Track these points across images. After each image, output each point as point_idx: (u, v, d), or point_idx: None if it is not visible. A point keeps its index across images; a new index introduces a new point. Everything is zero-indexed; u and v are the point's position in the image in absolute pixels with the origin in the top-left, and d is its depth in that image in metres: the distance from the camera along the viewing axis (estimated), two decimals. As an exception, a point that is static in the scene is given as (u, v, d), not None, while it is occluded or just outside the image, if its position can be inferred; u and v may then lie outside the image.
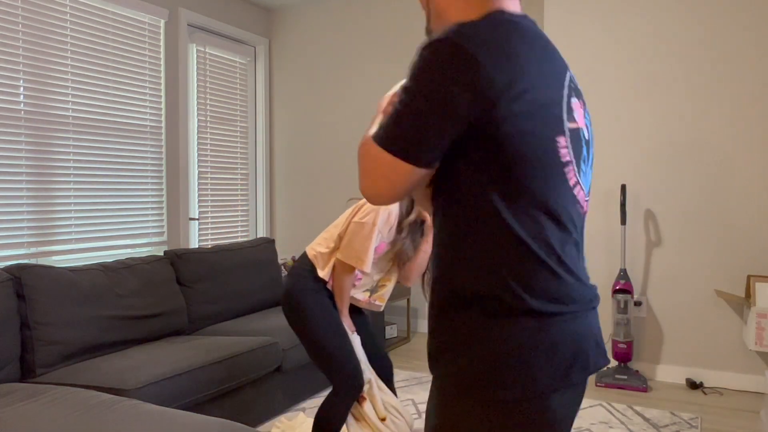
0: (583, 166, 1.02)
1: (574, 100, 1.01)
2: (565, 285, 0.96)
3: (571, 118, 0.98)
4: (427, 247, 2.26)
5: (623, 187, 3.45)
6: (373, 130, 1.01)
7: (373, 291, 2.36)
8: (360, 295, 2.33)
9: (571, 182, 0.98)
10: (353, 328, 2.25)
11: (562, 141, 0.95)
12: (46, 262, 3.51)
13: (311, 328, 2.13)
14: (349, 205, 5.04)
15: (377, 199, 0.97)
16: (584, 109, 1.06)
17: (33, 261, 3.44)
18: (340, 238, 2.18)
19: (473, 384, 0.93)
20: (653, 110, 3.54)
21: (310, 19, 5.20)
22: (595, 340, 1.02)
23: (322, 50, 5.15)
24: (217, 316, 3.40)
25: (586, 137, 1.04)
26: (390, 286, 2.36)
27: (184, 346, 2.74)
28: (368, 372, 2.24)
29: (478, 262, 0.94)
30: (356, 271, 2.17)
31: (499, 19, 0.94)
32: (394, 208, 2.11)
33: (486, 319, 0.94)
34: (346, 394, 2.14)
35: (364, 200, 2.11)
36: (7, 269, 2.54)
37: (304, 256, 2.24)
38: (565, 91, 0.98)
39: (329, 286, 2.21)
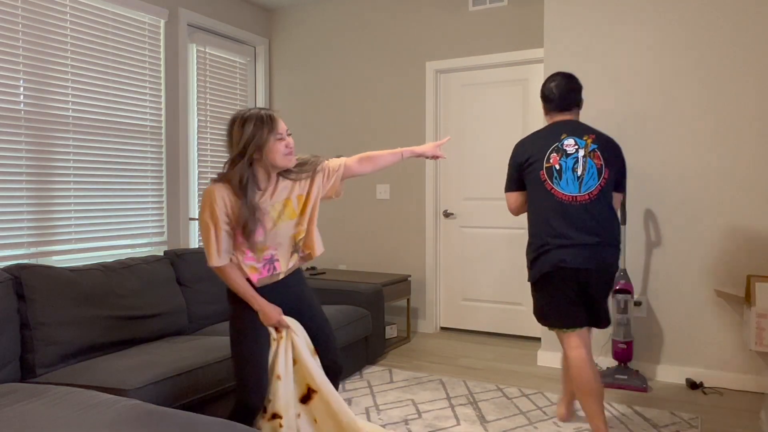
0: (557, 180, 2.50)
1: (553, 154, 2.52)
2: (550, 235, 2.48)
3: (548, 161, 2.52)
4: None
5: (623, 187, 3.45)
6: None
7: (296, 250, 2.23)
8: (293, 261, 2.22)
9: (547, 186, 2.51)
10: (274, 318, 2.14)
11: (542, 173, 2.52)
12: (46, 262, 3.51)
13: (232, 344, 2.18)
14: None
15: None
16: (561, 155, 2.52)
17: (33, 261, 3.44)
18: None
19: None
20: (653, 110, 3.54)
21: (310, 19, 5.20)
22: (569, 257, 2.45)
23: (322, 50, 5.15)
24: (217, 316, 3.40)
25: (558, 168, 2.50)
26: (309, 232, 2.23)
27: (184, 346, 2.74)
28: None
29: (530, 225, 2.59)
30: (239, 255, 2.11)
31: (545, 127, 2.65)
32: (220, 196, 2.05)
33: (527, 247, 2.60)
34: (240, 414, 2.11)
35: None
36: (7, 269, 2.54)
37: None
38: (548, 151, 2.53)
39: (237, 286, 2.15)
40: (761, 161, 3.30)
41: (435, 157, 2.43)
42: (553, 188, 2.49)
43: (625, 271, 3.45)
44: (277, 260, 2.18)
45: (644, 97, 3.56)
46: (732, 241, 3.37)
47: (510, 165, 2.66)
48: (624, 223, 3.46)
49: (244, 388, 2.11)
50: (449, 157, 4.70)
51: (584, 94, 3.72)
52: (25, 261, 3.03)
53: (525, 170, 2.58)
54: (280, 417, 2.11)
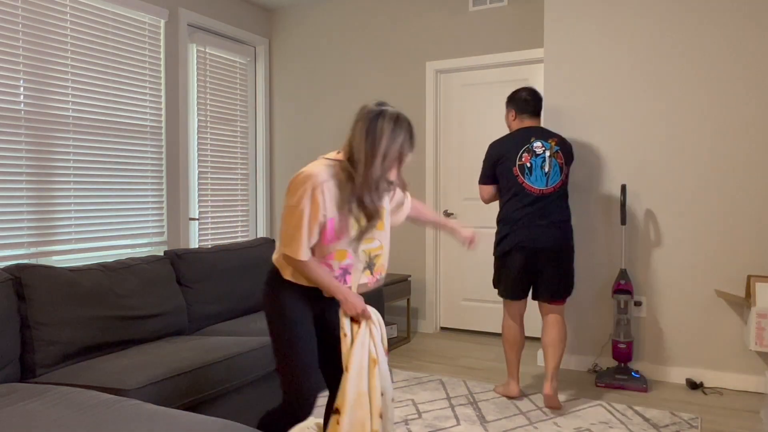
0: (528, 175, 3.05)
1: (525, 154, 3.06)
2: (517, 219, 3.07)
3: (520, 160, 3.06)
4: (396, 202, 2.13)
5: (623, 187, 3.45)
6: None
7: (370, 266, 2.07)
8: (364, 278, 2.04)
9: (519, 180, 3.06)
10: (360, 299, 1.96)
11: (515, 169, 3.07)
12: (46, 262, 3.51)
13: (273, 331, 1.97)
14: None
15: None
16: (532, 155, 3.06)
17: (33, 261, 3.44)
18: None
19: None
20: (653, 110, 3.54)
21: (310, 19, 5.20)
22: (532, 237, 3.03)
23: (322, 50, 5.15)
24: (217, 316, 3.40)
25: (529, 165, 3.04)
26: (385, 252, 2.08)
27: (184, 346, 2.74)
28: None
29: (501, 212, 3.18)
30: (325, 255, 1.93)
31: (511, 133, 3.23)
32: (327, 185, 1.86)
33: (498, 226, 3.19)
34: (291, 414, 1.95)
35: (293, 177, 1.90)
36: (7, 269, 2.54)
37: (272, 264, 2.06)
38: (520, 151, 3.08)
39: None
40: (761, 161, 3.30)
41: (468, 243, 2.35)
42: (524, 182, 3.05)
43: (625, 271, 3.45)
44: (350, 273, 2.00)
45: (644, 97, 3.56)
46: (732, 241, 3.37)
47: (485, 161, 3.19)
48: (624, 223, 3.46)
49: (299, 374, 1.92)
50: (449, 157, 4.71)
51: (584, 94, 3.72)
52: (25, 261, 3.03)
53: (498, 166, 3.13)
54: (339, 413, 1.88)
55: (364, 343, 1.96)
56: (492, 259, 4.56)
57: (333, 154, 1.99)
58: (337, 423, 1.87)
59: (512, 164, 3.06)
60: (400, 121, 1.90)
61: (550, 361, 3.08)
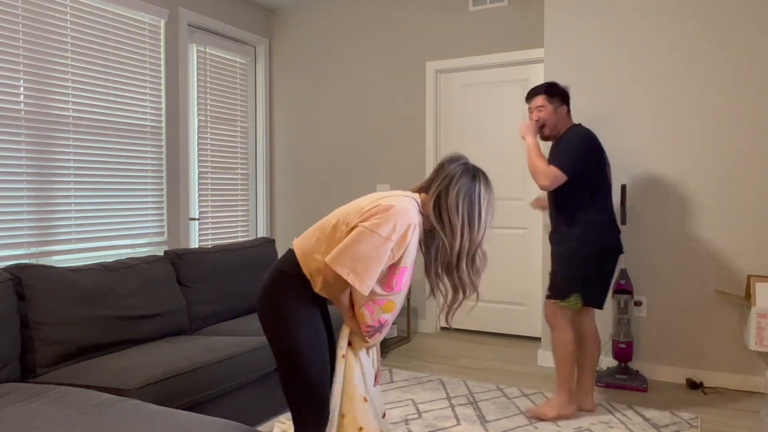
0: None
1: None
2: (608, 220, 2.89)
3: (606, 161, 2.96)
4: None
5: (623, 187, 3.45)
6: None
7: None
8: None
9: (609, 181, 2.94)
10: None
11: (608, 168, 2.98)
12: (46, 262, 3.51)
13: (290, 342, 1.77)
14: None
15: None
16: None
17: (33, 261, 3.44)
18: (339, 240, 1.74)
19: None
20: (653, 110, 3.54)
21: (310, 19, 5.20)
22: (618, 239, 2.91)
23: (322, 50, 5.15)
24: (217, 316, 3.40)
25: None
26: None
27: (184, 346, 2.74)
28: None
29: None
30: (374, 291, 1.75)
31: None
32: (416, 218, 1.71)
33: None
34: (314, 427, 1.79)
35: (382, 200, 1.71)
36: (7, 269, 2.54)
37: (290, 254, 1.84)
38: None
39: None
40: (761, 161, 3.30)
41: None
42: (611, 183, 2.93)
43: (625, 270, 3.45)
44: (381, 331, 1.86)
45: (644, 97, 3.56)
46: (732, 241, 3.37)
47: (586, 149, 2.80)
48: (624, 223, 3.46)
49: (318, 384, 1.78)
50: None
51: (584, 94, 3.72)
52: (25, 261, 3.03)
53: (595, 160, 2.82)
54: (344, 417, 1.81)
55: (360, 367, 1.86)
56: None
57: (416, 196, 1.81)
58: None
59: (606, 163, 2.90)
60: (491, 187, 1.80)
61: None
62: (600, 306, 2.87)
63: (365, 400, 1.83)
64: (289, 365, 1.79)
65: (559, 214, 2.91)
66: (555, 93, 2.93)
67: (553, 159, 2.82)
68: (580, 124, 2.92)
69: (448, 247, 1.75)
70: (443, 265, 1.80)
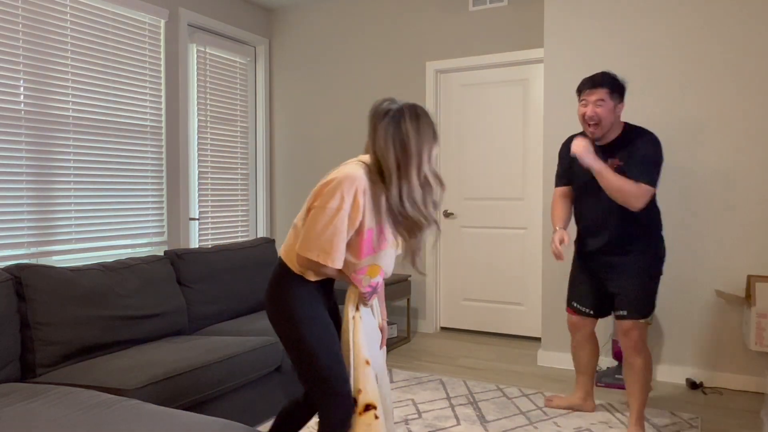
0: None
1: None
2: None
3: None
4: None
5: (623, 187, 3.45)
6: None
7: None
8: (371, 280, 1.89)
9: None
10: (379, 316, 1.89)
11: None
12: (46, 262, 3.51)
13: (299, 342, 1.78)
14: None
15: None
16: None
17: (33, 261, 3.44)
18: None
19: None
20: (653, 110, 3.54)
21: (310, 19, 5.20)
22: None
23: (322, 50, 5.15)
24: (217, 316, 3.40)
25: None
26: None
27: (184, 346, 2.74)
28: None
29: None
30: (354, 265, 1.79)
31: None
32: (365, 187, 1.72)
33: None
34: (339, 422, 1.79)
35: (327, 176, 1.73)
36: (7, 269, 2.54)
37: (279, 260, 1.88)
38: None
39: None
40: (761, 161, 3.30)
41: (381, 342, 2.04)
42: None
43: (625, 271, 3.45)
44: (377, 293, 1.90)
45: (644, 97, 3.56)
46: (732, 241, 3.37)
47: (659, 157, 2.55)
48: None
49: (337, 379, 1.77)
50: (449, 157, 4.70)
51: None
52: (25, 261, 3.03)
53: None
54: (375, 407, 1.80)
55: (360, 330, 1.86)
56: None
57: (366, 158, 1.82)
58: (376, 417, 1.80)
59: None
60: (420, 116, 1.76)
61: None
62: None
63: (367, 363, 1.82)
64: (304, 364, 1.80)
65: (629, 225, 2.60)
66: (617, 88, 2.57)
67: (636, 172, 2.47)
68: (641, 127, 2.64)
69: (392, 192, 1.72)
70: (397, 211, 1.75)
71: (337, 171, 1.75)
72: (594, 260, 2.74)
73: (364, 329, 1.86)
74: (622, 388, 3.38)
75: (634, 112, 3.59)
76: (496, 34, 4.42)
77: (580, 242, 2.83)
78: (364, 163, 1.79)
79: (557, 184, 2.87)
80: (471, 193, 4.62)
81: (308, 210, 1.76)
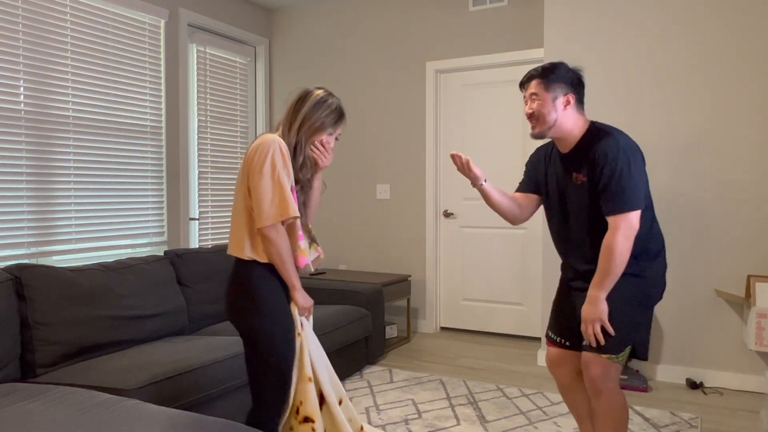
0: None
1: None
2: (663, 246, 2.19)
3: None
4: (318, 183, 2.11)
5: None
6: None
7: (314, 239, 2.10)
8: (313, 253, 2.07)
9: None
10: (309, 302, 2.00)
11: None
12: (46, 262, 3.51)
13: (252, 327, 1.90)
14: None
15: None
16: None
17: (33, 261, 3.44)
18: (250, 211, 1.92)
19: None
20: (654, 110, 3.54)
21: (310, 19, 5.20)
22: None
23: (322, 50, 5.15)
24: (217, 316, 3.40)
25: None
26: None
27: (184, 346, 2.74)
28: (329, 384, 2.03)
29: None
30: (291, 227, 1.95)
31: None
32: (283, 148, 1.91)
33: None
34: (276, 411, 1.94)
35: (252, 150, 1.91)
36: (7, 269, 2.54)
37: (236, 261, 1.98)
38: None
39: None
40: (763, 160, 3.30)
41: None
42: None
43: (625, 271, 3.44)
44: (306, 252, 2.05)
45: (644, 97, 3.56)
46: (732, 241, 3.37)
47: (638, 170, 1.96)
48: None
49: (284, 372, 1.92)
50: (449, 157, 4.70)
51: (585, 95, 3.70)
52: (25, 261, 3.03)
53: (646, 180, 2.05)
54: (313, 421, 1.95)
55: (311, 347, 2.01)
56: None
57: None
58: (313, 430, 1.95)
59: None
60: (327, 99, 2.01)
61: None
62: (647, 357, 2.12)
63: (310, 380, 1.97)
64: (260, 351, 1.91)
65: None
66: (555, 78, 2.07)
67: (608, 206, 1.95)
68: (607, 129, 2.05)
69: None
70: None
71: (257, 141, 1.93)
72: (573, 286, 2.21)
73: (309, 344, 2.00)
74: (622, 388, 3.38)
75: (635, 112, 3.59)
76: (496, 34, 4.42)
77: (562, 269, 2.33)
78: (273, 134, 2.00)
79: (518, 189, 2.35)
80: (471, 193, 4.62)
81: (248, 187, 1.90)
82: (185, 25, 4.42)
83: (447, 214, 4.71)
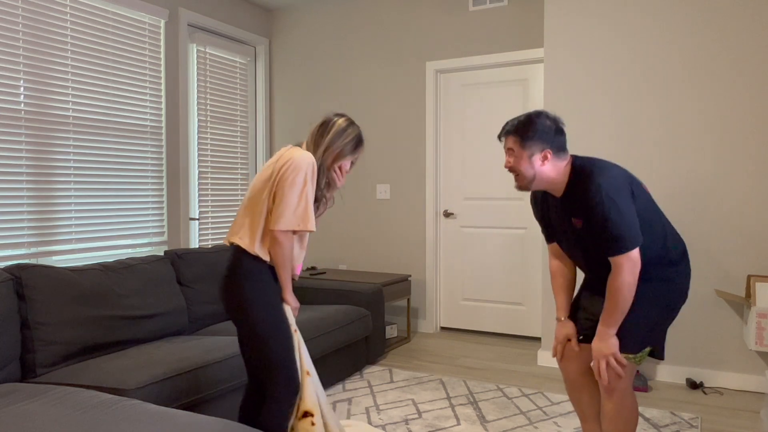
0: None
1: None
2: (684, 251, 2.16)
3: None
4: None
5: (623, 187, 3.44)
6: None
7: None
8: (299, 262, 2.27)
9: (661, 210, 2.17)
10: (297, 303, 2.16)
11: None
12: (46, 262, 3.51)
13: (254, 319, 2.03)
14: None
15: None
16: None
17: (33, 261, 3.44)
18: (270, 211, 2.07)
19: None
20: (653, 111, 3.54)
21: (310, 19, 5.20)
22: None
23: (322, 50, 5.15)
24: (217, 316, 3.40)
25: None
26: None
27: (184, 346, 2.74)
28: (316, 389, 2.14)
29: None
30: (301, 238, 2.17)
31: None
32: (315, 168, 2.10)
33: None
34: (286, 401, 2.05)
35: (287, 161, 2.06)
36: (7, 269, 2.54)
37: (234, 250, 2.09)
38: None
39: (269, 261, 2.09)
40: (762, 161, 3.30)
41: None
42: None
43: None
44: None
45: (644, 97, 3.56)
46: (732, 241, 3.37)
47: (628, 201, 1.96)
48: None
49: (290, 368, 2.06)
50: (449, 157, 4.70)
51: (584, 94, 3.72)
52: (25, 261, 3.03)
53: (645, 199, 2.06)
54: (312, 415, 2.05)
55: (302, 345, 2.15)
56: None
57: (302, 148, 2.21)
58: (312, 424, 2.03)
59: (644, 188, 2.09)
60: (347, 129, 2.19)
61: None
62: (663, 356, 2.11)
63: (308, 373, 2.10)
64: (256, 348, 2.04)
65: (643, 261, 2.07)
66: (530, 135, 2.01)
67: (607, 248, 1.95)
68: (588, 169, 1.99)
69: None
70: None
71: (290, 153, 2.09)
72: (597, 288, 2.21)
73: (303, 342, 2.15)
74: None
75: (635, 112, 3.59)
76: (496, 34, 4.42)
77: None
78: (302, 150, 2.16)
79: (547, 240, 2.32)
80: (471, 193, 4.63)
81: (272, 191, 2.06)
82: (185, 25, 4.42)
83: (447, 214, 4.71)
